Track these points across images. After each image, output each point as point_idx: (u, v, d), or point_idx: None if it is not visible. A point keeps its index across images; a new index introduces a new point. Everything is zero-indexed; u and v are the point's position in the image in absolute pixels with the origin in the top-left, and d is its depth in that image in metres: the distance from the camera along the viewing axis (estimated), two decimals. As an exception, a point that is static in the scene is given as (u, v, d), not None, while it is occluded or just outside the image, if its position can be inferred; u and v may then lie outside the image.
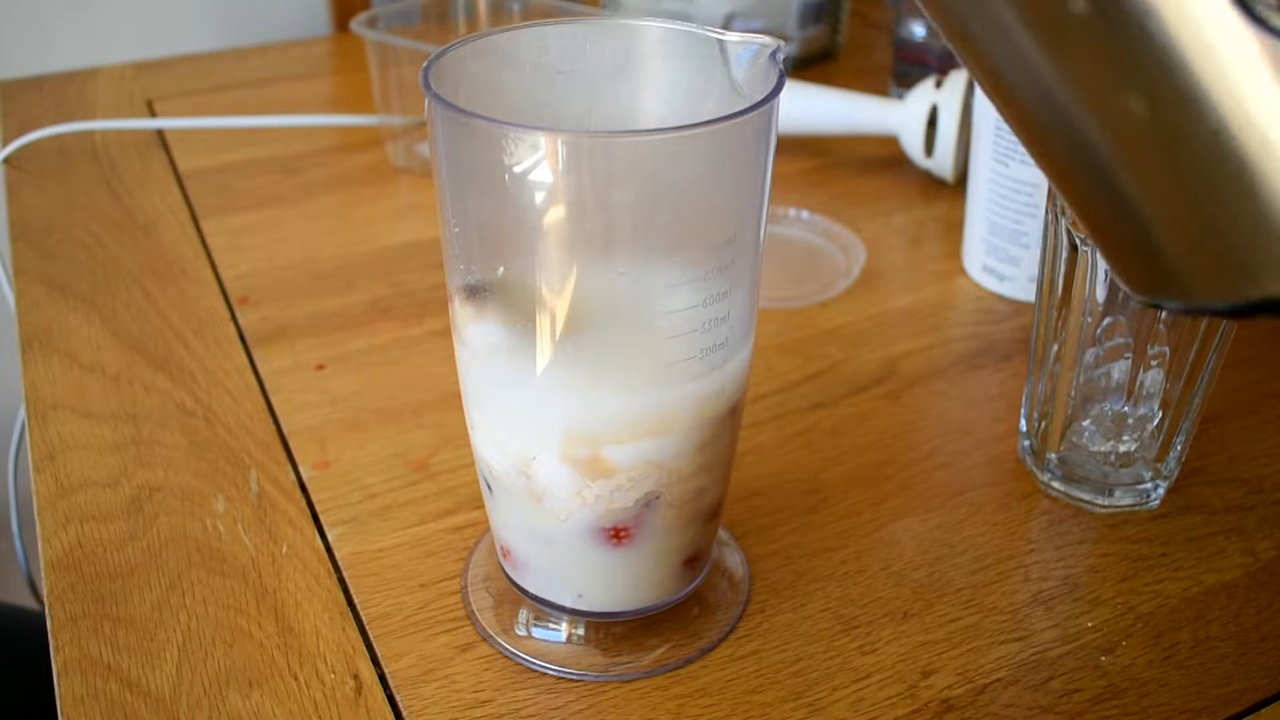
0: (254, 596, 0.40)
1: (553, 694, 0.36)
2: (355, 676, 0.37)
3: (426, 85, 0.30)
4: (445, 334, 0.55)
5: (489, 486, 0.36)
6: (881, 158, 0.74)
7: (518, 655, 0.38)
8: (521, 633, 0.38)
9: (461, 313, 0.33)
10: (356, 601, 0.40)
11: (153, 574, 0.41)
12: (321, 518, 0.43)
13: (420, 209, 0.68)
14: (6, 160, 0.71)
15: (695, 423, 0.33)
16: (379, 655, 0.38)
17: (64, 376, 0.51)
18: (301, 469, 0.46)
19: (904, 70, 0.83)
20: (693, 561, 0.38)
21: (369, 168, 0.72)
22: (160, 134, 0.76)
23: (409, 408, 0.49)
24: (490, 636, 0.38)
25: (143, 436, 0.47)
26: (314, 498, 0.44)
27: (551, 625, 0.38)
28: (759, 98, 0.30)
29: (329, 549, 0.42)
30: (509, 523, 0.37)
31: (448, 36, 0.77)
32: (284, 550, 0.42)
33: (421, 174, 0.71)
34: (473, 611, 0.39)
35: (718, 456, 0.35)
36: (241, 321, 0.56)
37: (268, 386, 0.51)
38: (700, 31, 0.33)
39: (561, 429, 0.32)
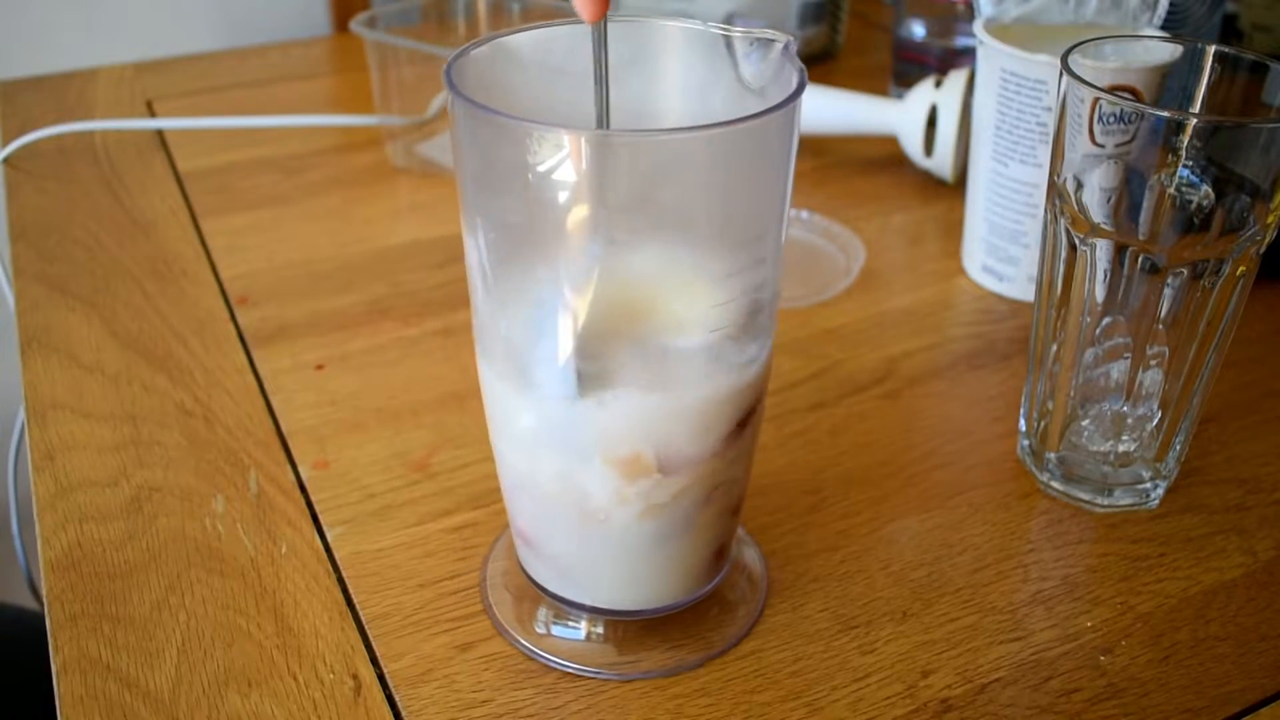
0: (253, 596, 0.40)
1: (552, 693, 0.36)
2: (354, 676, 0.37)
3: (450, 84, 0.30)
4: (445, 334, 0.55)
5: (517, 490, 0.36)
6: (881, 158, 0.74)
7: (536, 653, 0.37)
8: (541, 630, 0.38)
9: (488, 324, 0.33)
10: (356, 601, 0.40)
11: (152, 574, 0.41)
12: (321, 518, 0.43)
13: (420, 209, 0.68)
14: (6, 160, 0.71)
15: (731, 419, 0.33)
16: (378, 655, 0.38)
17: (63, 376, 0.51)
18: (301, 469, 0.46)
19: (903, 70, 0.83)
20: (719, 554, 0.38)
21: (369, 168, 0.72)
22: (160, 134, 0.76)
23: (408, 408, 0.49)
24: (508, 633, 0.38)
25: (142, 436, 0.47)
26: (313, 498, 0.44)
27: (571, 623, 0.38)
28: (769, 92, 0.30)
29: (328, 549, 0.42)
30: (541, 526, 0.36)
31: (447, 37, 0.77)
32: (283, 550, 0.42)
33: (421, 174, 0.71)
34: (490, 606, 0.39)
35: (746, 450, 0.35)
36: (241, 322, 0.56)
37: (267, 387, 0.51)
38: (705, 28, 0.33)
39: (600, 434, 0.32)
